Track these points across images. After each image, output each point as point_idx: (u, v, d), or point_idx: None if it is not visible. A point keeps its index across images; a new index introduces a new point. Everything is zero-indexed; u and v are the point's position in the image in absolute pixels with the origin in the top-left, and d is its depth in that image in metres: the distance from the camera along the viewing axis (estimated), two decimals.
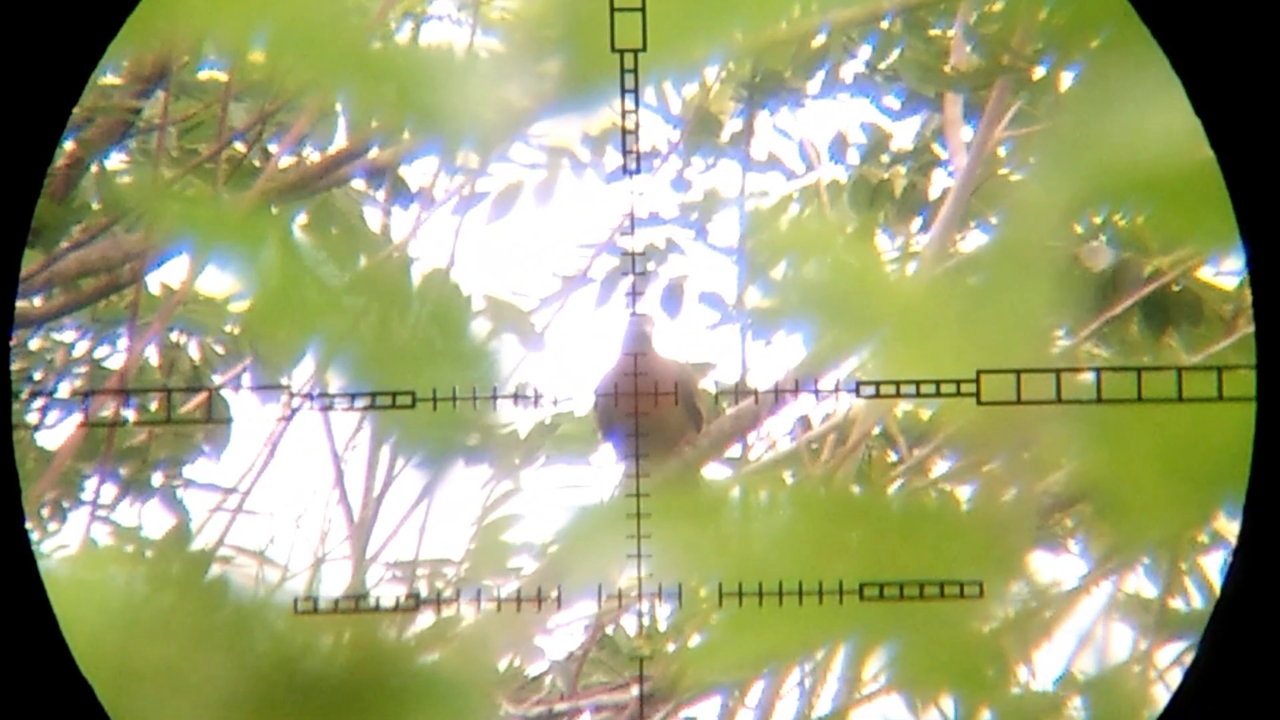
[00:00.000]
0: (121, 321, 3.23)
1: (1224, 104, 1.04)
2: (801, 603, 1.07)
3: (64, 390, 3.34)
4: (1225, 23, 1.05)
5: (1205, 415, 1.06)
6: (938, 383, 1.09)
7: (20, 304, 2.92)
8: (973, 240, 3.26)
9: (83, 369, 3.31)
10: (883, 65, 3.42)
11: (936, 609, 1.07)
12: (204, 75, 3.11)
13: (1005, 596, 1.07)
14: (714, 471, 3.02)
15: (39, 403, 3.13)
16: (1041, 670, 2.50)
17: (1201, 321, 3.19)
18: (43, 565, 1.08)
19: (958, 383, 1.09)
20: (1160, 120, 1.03)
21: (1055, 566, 3.03)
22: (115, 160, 3.12)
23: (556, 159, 3.56)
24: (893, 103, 3.51)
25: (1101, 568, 2.93)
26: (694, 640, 1.10)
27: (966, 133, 3.25)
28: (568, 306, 3.34)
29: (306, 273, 1.07)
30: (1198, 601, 3.13)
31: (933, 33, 3.31)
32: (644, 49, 1.10)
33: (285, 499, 3.11)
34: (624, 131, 1.21)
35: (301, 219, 3.31)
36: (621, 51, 1.10)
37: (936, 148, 3.51)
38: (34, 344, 3.30)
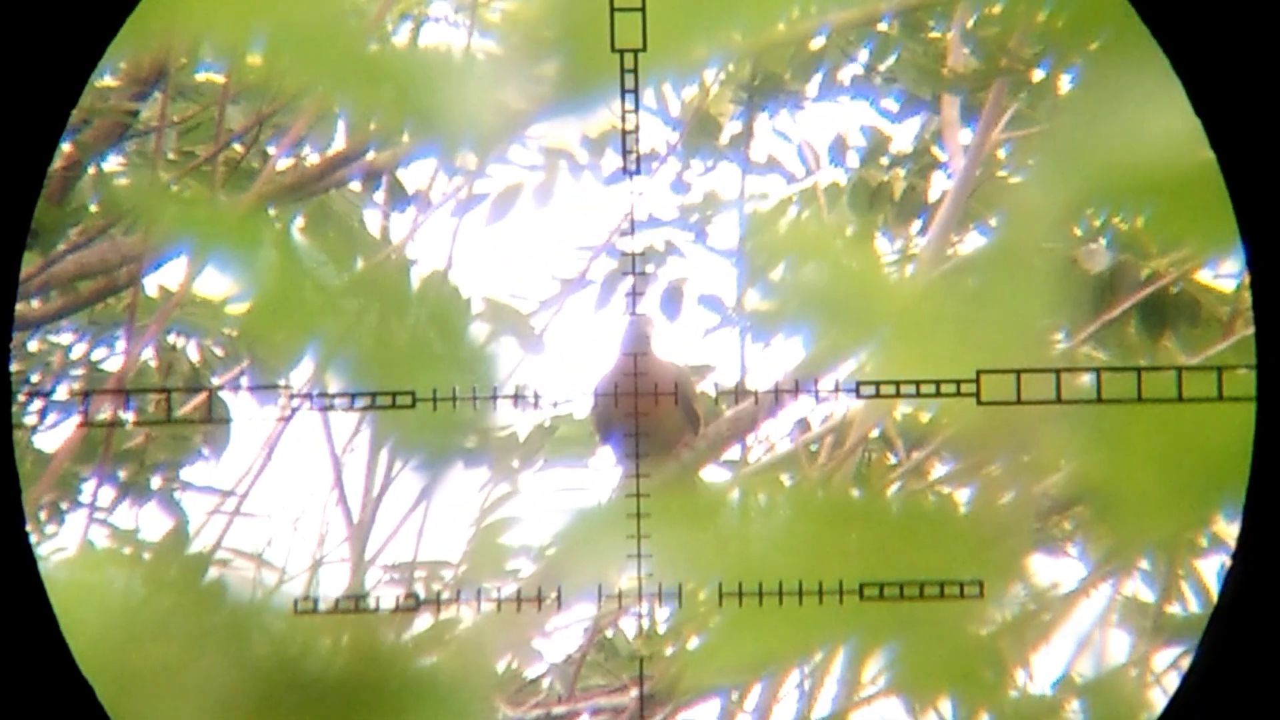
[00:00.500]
0: (119, 324, 3.23)
1: (1224, 104, 1.04)
2: (801, 603, 1.07)
3: (61, 392, 3.34)
4: (1225, 23, 1.05)
5: (1205, 415, 1.05)
6: (938, 383, 1.09)
7: (18, 306, 2.92)
8: (971, 242, 3.26)
9: (80, 371, 3.31)
10: (881, 68, 3.42)
11: (935, 611, 1.07)
12: (201, 77, 3.11)
13: (1005, 598, 1.07)
14: (712, 474, 3.02)
15: (37, 405, 3.12)
16: (1040, 673, 2.50)
17: (1199, 323, 3.19)
18: (41, 568, 1.08)
19: (958, 383, 1.09)
20: (1160, 122, 1.03)
21: (1054, 569, 3.03)
22: (113, 162, 3.12)
23: (555, 161, 3.56)
24: (891, 105, 3.51)
25: (1100, 570, 2.93)
26: (692, 642, 1.09)
27: (965, 135, 3.25)
28: (567, 308, 3.34)
29: (305, 274, 1.07)
30: (1195, 606, 3.13)
31: (930, 35, 3.31)
32: (644, 49, 1.10)
33: (283, 501, 3.11)
34: (624, 132, 1.20)
35: (299, 221, 3.31)
36: (621, 52, 1.10)
37: (936, 150, 3.50)
38: (32, 346, 3.29)
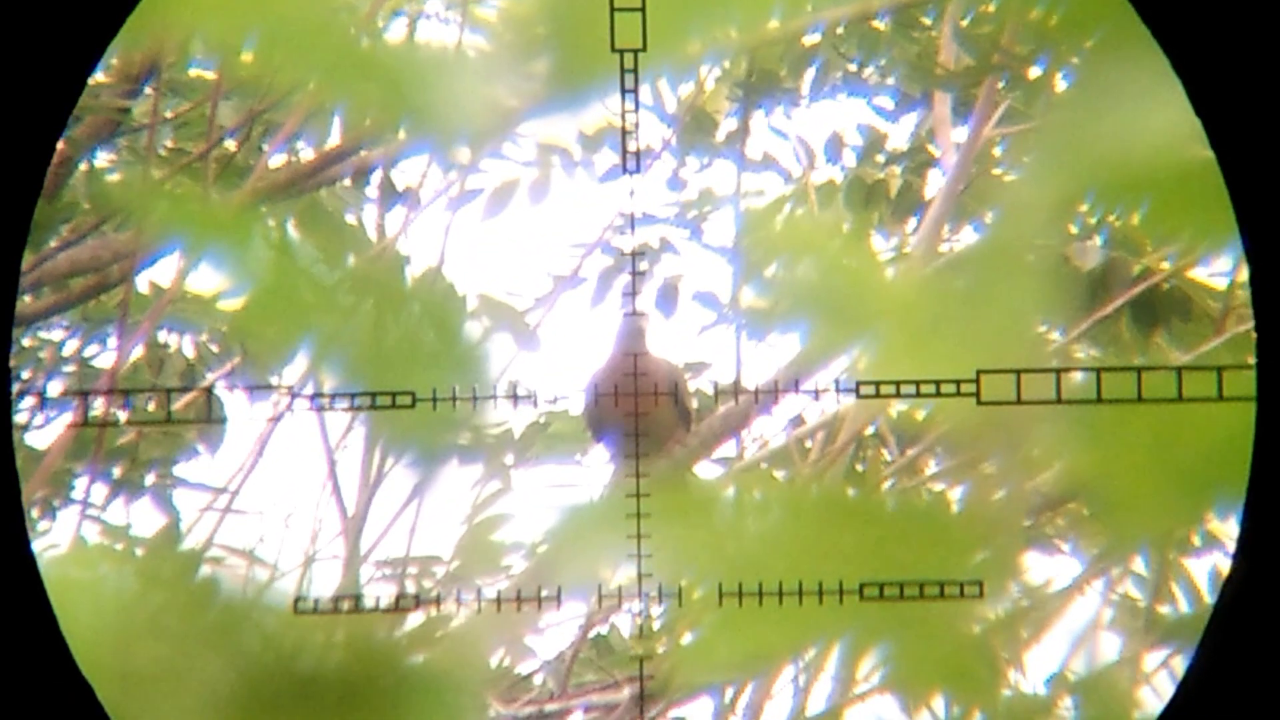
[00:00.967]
0: (111, 320, 3.23)
1: (1224, 104, 1.04)
2: (801, 602, 1.07)
3: (54, 389, 3.34)
4: (1225, 23, 1.05)
5: (1204, 415, 1.05)
6: (938, 383, 1.08)
7: None
8: (963, 239, 3.26)
9: (72, 368, 3.31)
10: (874, 65, 3.41)
11: (929, 609, 1.07)
12: (193, 73, 3.10)
13: (1002, 596, 1.07)
14: (705, 471, 3.02)
15: (29, 402, 3.12)
16: (1033, 670, 2.50)
17: (1190, 320, 3.19)
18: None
19: (958, 383, 1.08)
20: (1155, 118, 1.03)
21: (1047, 567, 3.03)
22: (104, 159, 3.12)
23: (550, 157, 3.56)
24: (886, 102, 3.51)
25: (1094, 568, 2.93)
26: (686, 639, 1.09)
27: (959, 132, 3.25)
28: (562, 305, 3.34)
29: (298, 271, 1.07)
30: (1185, 606, 3.13)
31: (921, 32, 3.31)
32: (644, 49, 1.10)
33: (276, 498, 3.11)
34: (623, 131, 1.20)
35: (292, 218, 3.30)
36: (621, 51, 1.10)
37: (931, 148, 3.50)
38: (24, 343, 3.29)
